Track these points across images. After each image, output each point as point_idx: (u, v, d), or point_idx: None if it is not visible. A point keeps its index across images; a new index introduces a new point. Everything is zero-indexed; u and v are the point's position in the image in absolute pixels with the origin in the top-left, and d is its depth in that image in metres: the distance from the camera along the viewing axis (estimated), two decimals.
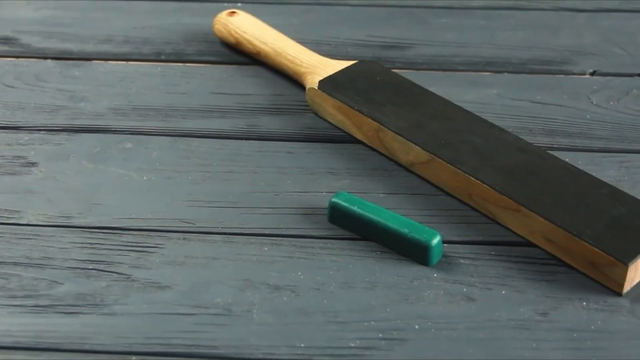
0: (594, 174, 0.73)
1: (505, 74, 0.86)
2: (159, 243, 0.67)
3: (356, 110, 0.76)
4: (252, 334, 0.60)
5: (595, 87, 0.84)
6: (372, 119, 0.75)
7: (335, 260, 0.66)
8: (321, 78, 0.79)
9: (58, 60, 0.87)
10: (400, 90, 0.78)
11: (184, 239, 0.68)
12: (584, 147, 0.77)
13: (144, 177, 0.73)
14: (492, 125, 0.75)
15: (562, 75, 0.86)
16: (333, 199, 0.68)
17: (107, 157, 0.75)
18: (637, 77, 0.86)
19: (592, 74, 0.87)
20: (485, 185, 0.68)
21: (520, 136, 0.78)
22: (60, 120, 0.79)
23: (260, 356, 0.59)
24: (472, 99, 0.82)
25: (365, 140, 0.77)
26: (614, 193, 0.68)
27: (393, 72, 0.81)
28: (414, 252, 0.66)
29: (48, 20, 0.93)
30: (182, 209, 0.70)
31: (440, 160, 0.71)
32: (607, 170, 0.74)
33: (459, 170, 0.70)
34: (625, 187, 0.72)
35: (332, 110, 0.78)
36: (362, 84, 0.78)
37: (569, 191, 0.67)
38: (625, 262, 0.62)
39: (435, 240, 0.65)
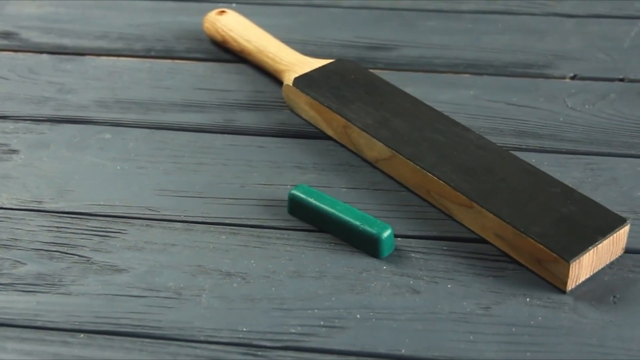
0: (558, 175, 0.74)
1: (485, 76, 0.87)
2: (122, 229, 0.69)
3: (326, 106, 0.77)
4: (197, 317, 0.62)
5: (573, 91, 0.84)
6: (340, 115, 0.76)
7: (289, 250, 0.67)
8: (297, 75, 0.81)
9: (53, 55, 0.90)
10: (372, 89, 0.80)
11: (147, 225, 0.70)
12: (552, 148, 0.77)
13: (117, 166, 0.76)
14: (456, 124, 0.75)
15: (541, 79, 0.86)
16: (292, 191, 0.69)
17: (85, 147, 0.78)
18: (617, 82, 0.85)
19: (572, 77, 0.87)
20: (440, 182, 0.69)
21: (490, 137, 0.78)
22: (46, 111, 0.82)
23: (202, 338, 0.61)
24: (447, 100, 0.83)
25: (335, 137, 0.78)
26: (567, 192, 0.68)
27: (369, 71, 0.83)
28: (365, 244, 0.66)
29: (49, 16, 0.97)
30: (149, 197, 0.72)
31: (400, 156, 0.72)
32: (572, 171, 0.74)
33: (417, 166, 0.70)
34: (587, 189, 0.72)
35: (305, 107, 0.80)
36: (335, 82, 0.80)
37: (523, 189, 0.68)
38: (567, 259, 0.62)
39: (386, 234, 0.66)
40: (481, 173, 0.70)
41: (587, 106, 0.82)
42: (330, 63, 0.83)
